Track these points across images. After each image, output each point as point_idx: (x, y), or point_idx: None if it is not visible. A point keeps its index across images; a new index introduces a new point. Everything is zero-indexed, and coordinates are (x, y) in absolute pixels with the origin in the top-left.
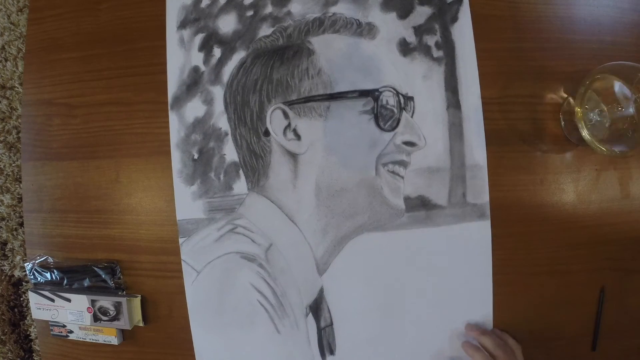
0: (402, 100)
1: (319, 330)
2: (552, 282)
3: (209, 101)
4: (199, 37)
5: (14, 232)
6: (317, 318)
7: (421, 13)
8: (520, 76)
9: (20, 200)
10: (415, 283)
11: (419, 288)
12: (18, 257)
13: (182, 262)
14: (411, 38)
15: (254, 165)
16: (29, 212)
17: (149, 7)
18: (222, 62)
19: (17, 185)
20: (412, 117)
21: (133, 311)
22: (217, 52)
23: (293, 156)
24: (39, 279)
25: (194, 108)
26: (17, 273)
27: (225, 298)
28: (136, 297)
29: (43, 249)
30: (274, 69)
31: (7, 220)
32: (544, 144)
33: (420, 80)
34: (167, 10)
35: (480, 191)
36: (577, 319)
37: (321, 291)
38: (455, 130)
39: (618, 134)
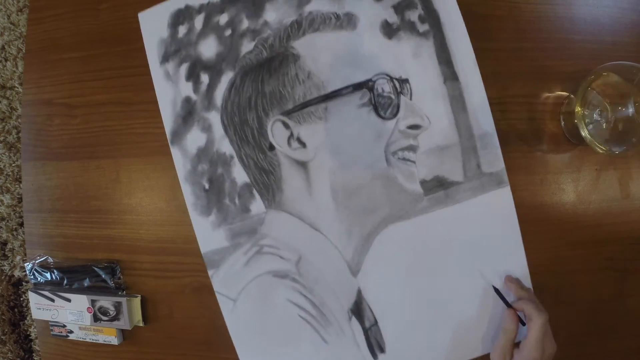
0: (397, 85)
1: (365, 331)
2: (553, 282)
3: (207, 128)
4: (184, 67)
5: (14, 232)
6: (360, 320)
7: None
8: (520, 76)
9: (20, 200)
10: (449, 263)
11: (454, 267)
12: (18, 257)
13: (216, 294)
14: (393, 18)
15: (266, 182)
16: (29, 212)
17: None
18: (212, 87)
19: (17, 185)
20: (410, 99)
21: (133, 311)
22: (204, 78)
23: (303, 164)
24: (39, 279)
25: (194, 138)
26: (17, 273)
27: (267, 319)
28: (136, 297)
29: (43, 249)
30: (264, 83)
31: (7, 220)
32: (544, 144)
33: (411, 59)
34: (146, 48)
35: (494, 159)
36: (577, 318)
37: (359, 292)
38: (457, 102)
39: (618, 134)
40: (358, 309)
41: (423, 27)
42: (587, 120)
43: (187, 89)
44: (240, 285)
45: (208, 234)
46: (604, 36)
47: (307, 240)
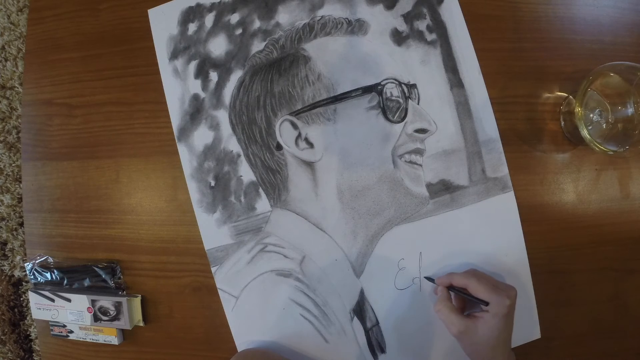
0: (405, 89)
1: (367, 332)
2: (553, 282)
3: (215, 126)
4: (193, 65)
5: (14, 232)
6: (362, 320)
7: (407, 0)
8: (520, 76)
9: (20, 200)
10: (452, 265)
11: (456, 269)
12: (18, 257)
13: (219, 291)
14: (402, 26)
15: (273, 181)
16: (29, 212)
17: (148, 7)
18: (220, 85)
19: (17, 185)
20: (418, 104)
21: (133, 311)
22: (213, 76)
23: (310, 165)
24: (39, 279)
25: (202, 136)
26: (17, 273)
27: (268, 318)
28: (136, 297)
29: (43, 249)
30: (273, 83)
31: (7, 220)
32: (544, 144)
33: (419, 66)
34: (155, 44)
35: (498, 164)
36: (577, 319)
37: (362, 293)
38: (463, 108)
39: (618, 133)
40: (360, 310)
41: (431, 37)
42: (587, 121)
43: (195, 86)
44: (243, 282)
45: (213, 231)
46: (604, 36)
47: (311, 240)
